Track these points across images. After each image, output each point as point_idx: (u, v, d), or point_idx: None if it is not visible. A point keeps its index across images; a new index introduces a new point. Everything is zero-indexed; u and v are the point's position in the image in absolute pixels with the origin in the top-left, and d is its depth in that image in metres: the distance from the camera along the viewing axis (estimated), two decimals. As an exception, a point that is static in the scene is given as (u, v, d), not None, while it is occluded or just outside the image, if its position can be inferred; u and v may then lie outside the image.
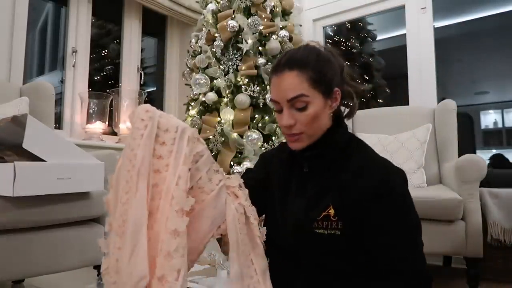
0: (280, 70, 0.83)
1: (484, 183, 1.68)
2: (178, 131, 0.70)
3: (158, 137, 0.69)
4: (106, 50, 3.16)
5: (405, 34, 2.67)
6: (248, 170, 1.06)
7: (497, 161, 3.30)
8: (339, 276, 0.80)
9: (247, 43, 2.31)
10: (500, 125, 4.88)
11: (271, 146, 2.20)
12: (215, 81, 2.39)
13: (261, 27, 2.33)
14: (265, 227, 0.82)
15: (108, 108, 2.74)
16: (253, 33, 2.33)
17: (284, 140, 1.01)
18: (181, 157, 0.68)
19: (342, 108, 0.92)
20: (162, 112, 0.72)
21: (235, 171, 2.15)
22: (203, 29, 2.56)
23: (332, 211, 0.80)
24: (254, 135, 2.18)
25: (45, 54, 2.90)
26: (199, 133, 2.36)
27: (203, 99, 2.39)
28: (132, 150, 0.67)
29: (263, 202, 0.90)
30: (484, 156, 1.77)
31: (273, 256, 0.87)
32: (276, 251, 0.86)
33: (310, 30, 3.06)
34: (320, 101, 0.82)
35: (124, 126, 2.83)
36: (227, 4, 2.46)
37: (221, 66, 2.40)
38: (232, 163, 2.21)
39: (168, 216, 0.64)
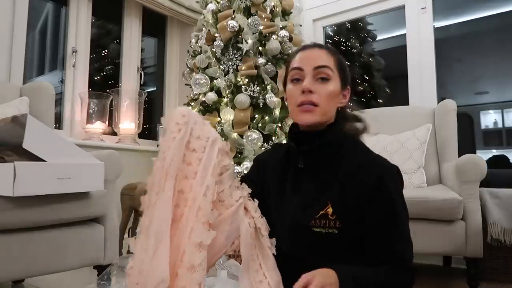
0: (310, 47, 0.89)
1: (484, 183, 1.68)
2: (209, 141, 0.70)
3: (190, 143, 0.69)
4: (106, 50, 3.17)
5: (405, 34, 2.67)
6: (243, 177, 1.05)
7: (497, 163, 3.29)
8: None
9: (247, 43, 2.31)
10: (500, 125, 4.88)
11: (271, 146, 2.21)
12: (215, 81, 2.39)
13: (261, 27, 2.33)
14: (274, 238, 0.80)
15: (108, 108, 2.74)
16: (253, 33, 2.33)
17: (277, 142, 1.02)
18: (209, 167, 0.68)
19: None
20: (198, 118, 0.72)
21: (235, 171, 2.15)
22: (203, 29, 2.56)
23: (330, 210, 0.80)
24: (254, 135, 2.18)
25: (45, 54, 2.90)
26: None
27: (203, 99, 2.39)
28: (163, 152, 0.67)
29: (261, 206, 0.90)
30: (484, 156, 1.77)
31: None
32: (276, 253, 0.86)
33: (310, 30, 3.06)
34: (338, 84, 0.86)
35: (124, 126, 2.83)
36: (227, 4, 2.46)
37: (221, 66, 2.40)
38: (232, 163, 2.21)
39: (193, 227, 0.63)
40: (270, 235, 0.83)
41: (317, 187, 0.84)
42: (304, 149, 0.87)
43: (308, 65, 0.84)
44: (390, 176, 0.82)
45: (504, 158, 3.42)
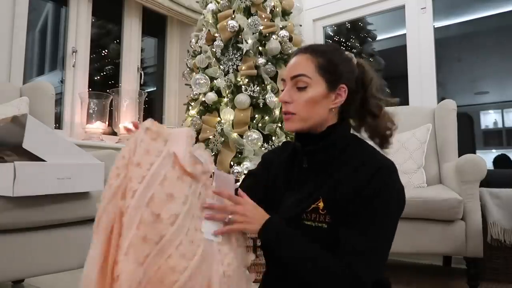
0: (296, 52, 0.90)
1: (484, 183, 1.68)
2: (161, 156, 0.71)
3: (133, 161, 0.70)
4: (106, 50, 3.16)
5: (405, 34, 2.67)
6: (249, 172, 1.07)
7: (501, 162, 3.27)
8: None
9: (247, 43, 2.31)
10: (500, 125, 4.88)
11: (271, 146, 2.20)
12: (215, 81, 2.39)
13: (261, 27, 2.33)
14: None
15: (108, 108, 2.74)
16: (253, 33, 2.33)
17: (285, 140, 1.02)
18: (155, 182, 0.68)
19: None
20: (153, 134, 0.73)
21: (235, 171, 2.15)
22: (203, 29, 2.56)
23: (321, 204, 0.81)
24: (254, 135, 2.18)
25: (45, 54, 2.90)
26: (199, 133, 2.36)
27: (203, 99, 2.39)
28: (103, 197, 0.68)
29: (263, 201, 0.91)
30: (484, 156, 1.77)
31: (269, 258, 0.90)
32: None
33: (310, 30, 3.06)
34: (322, 88, 0.84)
35: (124, 126, 2.83)
36: (227, 4, 2.46)
37: (221, 66, 2.40)
38: (232, 163, 2.21)
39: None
40: None
41: (314, 184, 0.85)
42: (308, 150, 0.88)
43: (288, 75, 0.87)
44: (386, 173, 0.80)
45: (506, 157, 3.41)
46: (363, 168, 0.80)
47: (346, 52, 0.91)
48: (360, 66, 0.91)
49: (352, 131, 0.94)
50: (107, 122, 2.73)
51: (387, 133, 0.93)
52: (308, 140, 0.88)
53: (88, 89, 2.78)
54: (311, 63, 0.85)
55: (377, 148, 0.90)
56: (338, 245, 0.77)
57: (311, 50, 0.87)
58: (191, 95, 2.52)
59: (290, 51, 2.38)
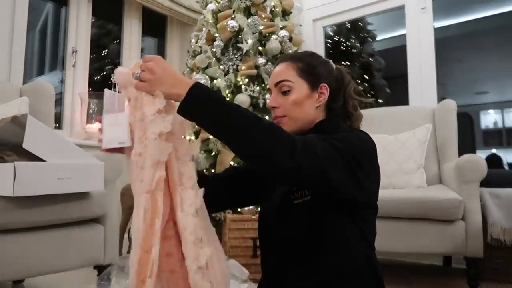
0: (277, 63, 0.98)
1: (484, 183, 1.68)
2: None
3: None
4: (106, 50, 3.16)
5: (405, 34, 2.67)
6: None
7: (491, 163, 3.27)
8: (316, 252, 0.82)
9: (247, 43, 2.31)
10: (500, 125, 4.88)
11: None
12: (215, 81, 2.39)
13: (261, 27, 2.33)
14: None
15: (108, 108, 2.74)
16: (253, 33, 2.33)
17: None
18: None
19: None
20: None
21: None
22: (203, 29, 2.56)
23: None
24: (254, 135, 2.18)
25: (45, 54, 2.90)
26: (199, 133, 2.36)
27: (203, 99, 2.39)
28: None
29: (254, 186, 0.97)
30: (484, 156, 1.77)
31: (265, 250, 0.94)
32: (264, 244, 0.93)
33: (310, 30, 3.06)
34: (304, 89, 0.91)
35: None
36: (227, 4, 2.46)
37: (221, 66, 2.40)
38: (232, 163, 2.21)
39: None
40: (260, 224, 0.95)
41: None
42: None
43: (272, 83, 0.95)
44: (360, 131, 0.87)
45: (498, 158, 3.42)
46: None
47: (322, 57, 0.99)
48: (338, 70, 0.97)
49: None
50: (107, 122, 2.73)
51: None
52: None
53: (88, 89, 2.78)
54: (291, 69, 0.92)
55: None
56: (324, 217, 0.80)
57: (290, 57, 0.95)
58: (191, 95, 2.52)
59: (290, 51, 2.38)
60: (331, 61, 0.97)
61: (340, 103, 0.93)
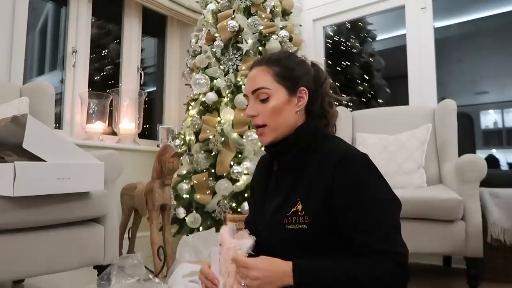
0: (252, 66, 0.92)
1: (484, 183, 1.68)
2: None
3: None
4: (106, 50, 3.16)
5: (405, 34, 2.67)
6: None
7: (488, 164, 3.27)
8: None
9: (247, 43, 2.31)
10: (500, 125, 4.88)
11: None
12: (215, 81, 2.39)
13: (261, 27, 2.33)
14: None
15: (108, 108, 2.74)
16: (253, 33, 2.33)
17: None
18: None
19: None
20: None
21: (235, 171, 2.15)
22: (203, 29, 2.56)
23: (300, 206, 0.83)
24: (254, 135, 2.18)
25: (45, 54, 2.90)
26: (199, 133, 2.36)
27: (203, 99, 2.39)
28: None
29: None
30: (484, 156, 1.77)
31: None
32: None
33: (310, 30, 3.06)
34: (283, 95, 0.87)
35: (124, 126, 2.83)
36: (227, 4, 2.46)
37: (221, 66, 2.40)
38: (232, 163, 2.21)
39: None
40: (255, 234, 0.90)
41: (289, 186, 0.88)
42: (274, 152, 0.92)
43: (249, 90, 0.90)
44: (352, 157, 0.81)
45: (494, 159, 3.41)
46: (326, 161, 0.81)
47: (299, 55, 0.95)
48: (314, 65, 0.94)
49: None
50: (107, 122, 2.73)
51: (332, 131, 0.96)
52: (278, 144, 0.90)
53: (88, 89, 2.78)
54: (267, 74, 0.87)
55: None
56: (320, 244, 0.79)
57: (266, 60, 0.90)
58: (191, 95, 2.52)
59: (290, 51, 2.38)
60: (308, 59, 0.95)
61: (318, 104, 0.92)
